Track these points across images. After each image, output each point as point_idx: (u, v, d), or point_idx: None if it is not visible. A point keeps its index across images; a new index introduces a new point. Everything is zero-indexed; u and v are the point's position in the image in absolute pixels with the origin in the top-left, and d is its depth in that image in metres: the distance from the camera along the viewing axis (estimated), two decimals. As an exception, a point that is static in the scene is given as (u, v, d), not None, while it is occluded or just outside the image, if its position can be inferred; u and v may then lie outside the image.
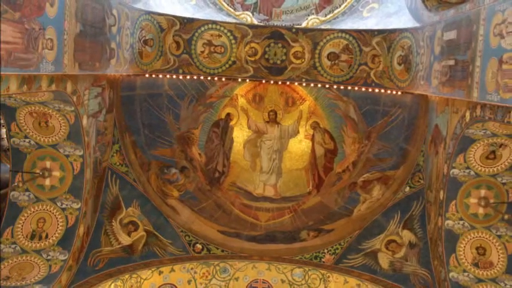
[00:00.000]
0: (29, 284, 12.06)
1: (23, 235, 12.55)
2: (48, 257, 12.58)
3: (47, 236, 12.72)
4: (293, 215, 16.63)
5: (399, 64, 14.05)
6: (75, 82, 11.07)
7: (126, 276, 14.32)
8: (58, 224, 12.80)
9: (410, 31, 13.62)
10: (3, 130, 14.02)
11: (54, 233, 12.77)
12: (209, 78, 15.18)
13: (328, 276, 15.34)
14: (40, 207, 12.71)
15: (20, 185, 12.59)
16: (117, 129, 14.78)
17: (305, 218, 16.48)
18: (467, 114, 10.78)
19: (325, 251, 15.62)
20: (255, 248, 16.01)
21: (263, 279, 15.69)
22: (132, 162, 15.20)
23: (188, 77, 15.09)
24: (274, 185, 17.09)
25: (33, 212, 12.68)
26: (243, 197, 16.95)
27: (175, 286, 15.21)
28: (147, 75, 14.71)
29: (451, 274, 12.81)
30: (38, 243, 12.63)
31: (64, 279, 12.74)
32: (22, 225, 12.57)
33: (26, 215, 12.63)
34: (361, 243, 15.35)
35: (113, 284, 13.97)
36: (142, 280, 14.65)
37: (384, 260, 14.91)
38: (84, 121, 12.15)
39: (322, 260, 15.58)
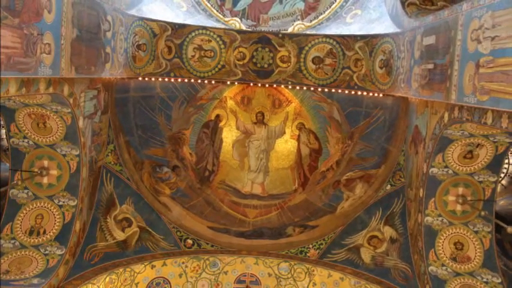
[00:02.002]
0: (28, 277, 12.16)
1: (22, 231, 12.75)
2: (46, 252, 12.74)
3: (44, 232, 12.90)
4: (280, 212, 16.79)
5: (381, 68, 14.22)
6: (71, 85, 11.24)
7: (121, 270, 14.50)
8: (55, 221, 12.99)
9: (392, 36, 13.77)
10: (3, 131, 13.97)
11: (52, 229, 12.95)
12: (199, 81, 15.32)
13: (313, 270, 15.57)
14: (38, 204, 12.91)
15: (19, 183, 12.78)
16: (111, 129, 14.89)
17: (291, 215, 16.66)
18: (446, 115, 11.00)
19: (310, 246, 15.85)
20: (243, 243, 16.22)
21: (251, 273, 15.86)
22: (126, 161, 15.36)
23: (179, 80, 15.23)
24: (262, 183, 17.23)
25: (32, 208, 12.88)
26: (231, 194, 17.11)
27: (167, 279, 15.36)
28: (140, 79, 14.84)
29: (430, 268, 13.05)
30: (36, 238, 12.81)
31: (61, 273, 12.90)
32: (21, 222, 12.77)
33: (24, 211, 12.84)
34: (344, 238, 15.57)
35: (107, 277, 14.10)
36: (135, 274, 14.83)
37: (366, 254, 15.16)
38: (80, 122, 12.30)
39: (307, 254, 15.81)
